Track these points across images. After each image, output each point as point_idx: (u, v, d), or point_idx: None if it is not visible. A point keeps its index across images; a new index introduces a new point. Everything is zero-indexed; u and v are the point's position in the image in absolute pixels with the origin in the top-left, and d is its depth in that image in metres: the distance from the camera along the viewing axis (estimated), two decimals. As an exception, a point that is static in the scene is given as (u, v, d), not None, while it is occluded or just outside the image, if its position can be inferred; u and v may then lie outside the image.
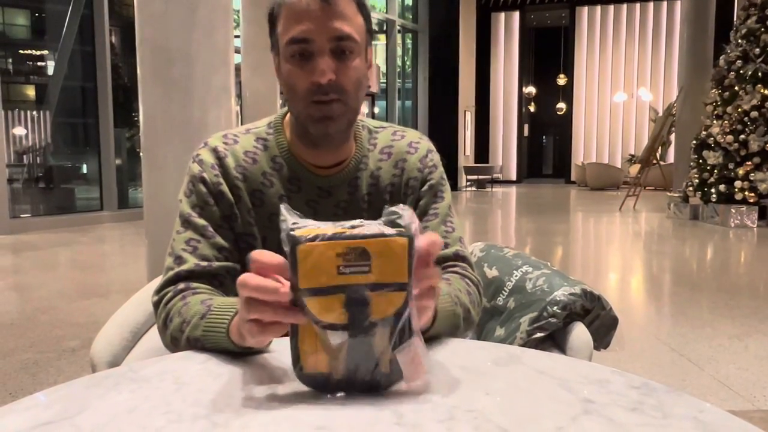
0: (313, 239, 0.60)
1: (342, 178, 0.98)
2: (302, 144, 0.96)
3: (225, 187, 0.94)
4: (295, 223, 0.62)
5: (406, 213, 0.62)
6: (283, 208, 0.64)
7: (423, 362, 0.64)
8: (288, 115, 0.99)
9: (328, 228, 0.61)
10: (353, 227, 0.61)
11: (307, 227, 0.62)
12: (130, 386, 0.67)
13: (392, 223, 0.62)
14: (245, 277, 0.63)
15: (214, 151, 0.96)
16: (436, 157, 1.05)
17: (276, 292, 0.61)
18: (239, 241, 0.95)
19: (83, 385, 0.68)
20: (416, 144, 1.04)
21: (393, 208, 0.63)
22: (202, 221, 0.92)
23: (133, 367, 0.74)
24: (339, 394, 0.64)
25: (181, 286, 0.88)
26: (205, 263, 0.90)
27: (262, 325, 0.64)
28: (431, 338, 0.82)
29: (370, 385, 0.64)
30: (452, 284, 0.91)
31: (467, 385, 0.67)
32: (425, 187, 1.02)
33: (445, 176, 1.05)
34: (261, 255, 0.64)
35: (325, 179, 0.97)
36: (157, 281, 0.93)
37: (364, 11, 0.91)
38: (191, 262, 0.89)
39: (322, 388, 0.65)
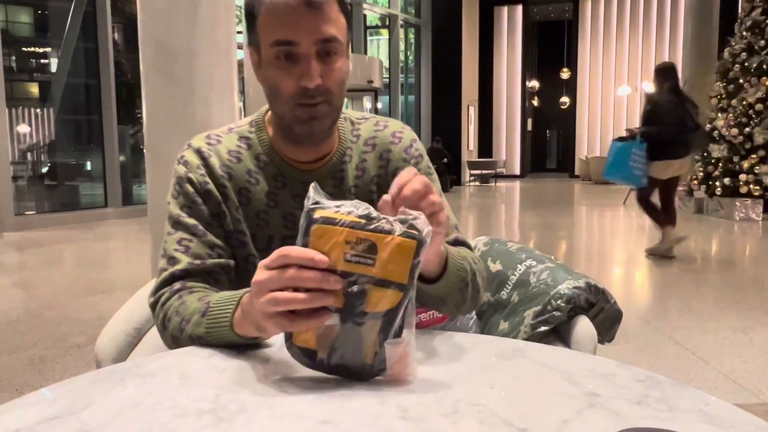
0: (328, 222, 0.63)
1: (326, 171, 0.98)
2: (285, 141, 0.97)
3: (212, 186, 0.94)
4: (317, 203, 0.64)
5: (421, 218, 0.64)
6: (312, 189, 0.66)
7: (410, 363, 0.64)
8: (269, 112, 0.98)
9: (347, 215, 0.63)
10: (370, 219, 0.63)
11: (328, 209, 0.64)
12: (135, 381, 0.67)
13: (408, 225, 0.63)
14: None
15: (198, 152, 0.96)
16: (420, 147, 1.05)
17: (314, 260, 0.62)
18: (230, 238, 0.95)
19: (88, 380, 0.68)
20: (399, 134, 1.04)
21: (411, 212, 0.65)
22: (192, 220, 0.92)
23: (138, 362, 0.74)
24: (324, 374, 0.66)
25: (177, 285, 0.88)
26: (198, 261, 0.90)
27: (291, 317, 0.65)
28: (443, 294, 0.84)
29: (350, 371, 0.65)
30: (460, 251, 0.92)
31: (472, 378, 0.67)
32: None
33: (431, 164, 1.05)
34: (290, 250, 0.64)
35: (310, 174, 0.97)
36: (153, 283, 0.93)
37: (344, 9, 0.90)
38: (185, 261, 0.89)
39: (306, 363, 0.66)
